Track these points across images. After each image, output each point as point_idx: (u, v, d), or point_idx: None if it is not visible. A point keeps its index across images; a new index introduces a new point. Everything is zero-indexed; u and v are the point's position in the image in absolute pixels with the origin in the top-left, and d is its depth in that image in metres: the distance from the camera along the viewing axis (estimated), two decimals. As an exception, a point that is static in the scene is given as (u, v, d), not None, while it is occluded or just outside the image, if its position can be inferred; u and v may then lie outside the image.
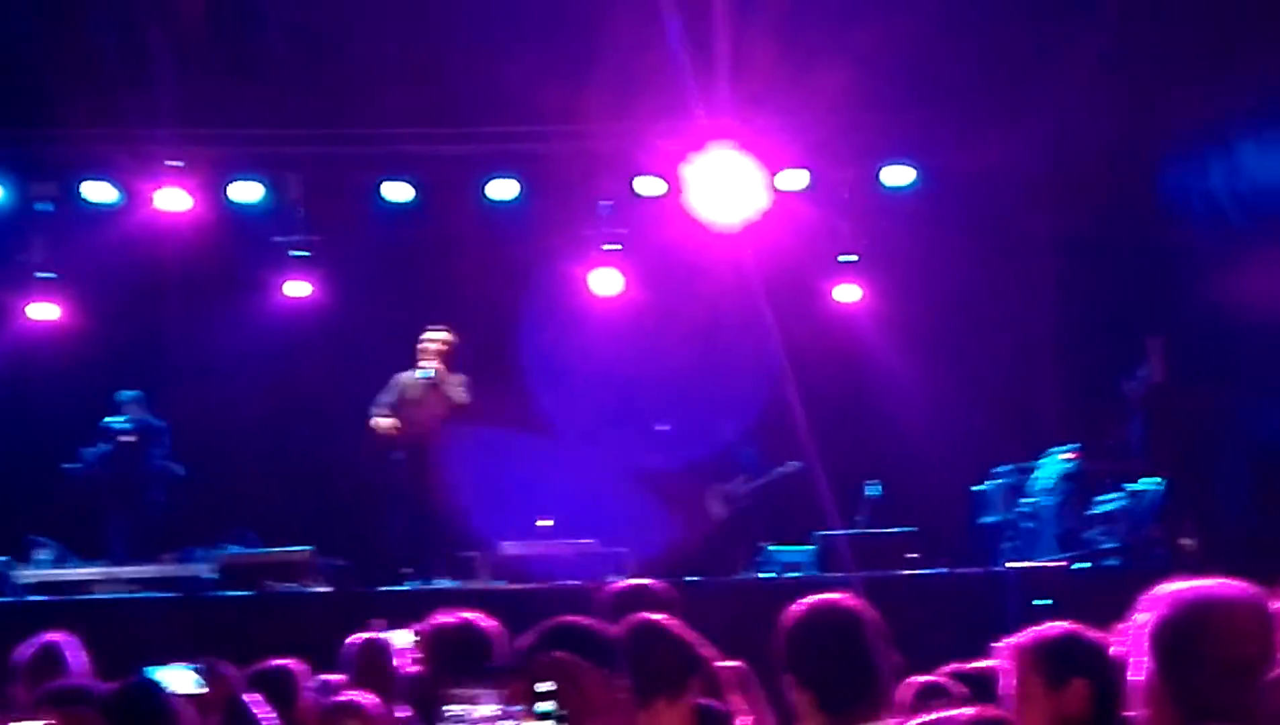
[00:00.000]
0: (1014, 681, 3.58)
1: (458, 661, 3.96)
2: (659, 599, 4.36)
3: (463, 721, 2.35)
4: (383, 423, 11.40)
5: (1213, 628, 2.59)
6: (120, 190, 13.49)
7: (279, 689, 4.94)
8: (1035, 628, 3.67)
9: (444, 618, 4.12)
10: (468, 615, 4.11)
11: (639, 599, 4.35)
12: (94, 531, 12.20)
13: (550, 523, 11.78)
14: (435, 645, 4.07)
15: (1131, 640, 2.72)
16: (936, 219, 13.81)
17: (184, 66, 12.97)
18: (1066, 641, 3.62)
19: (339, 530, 12.24)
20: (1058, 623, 3.73)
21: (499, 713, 2.35)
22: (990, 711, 3.07)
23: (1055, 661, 3.54)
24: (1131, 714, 2.84)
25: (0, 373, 13.04)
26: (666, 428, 13.02)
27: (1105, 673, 3.47)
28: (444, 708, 2.43)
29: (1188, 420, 10.61)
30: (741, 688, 5.14)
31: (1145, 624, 2.66)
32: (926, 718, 2.01)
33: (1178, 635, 2.61)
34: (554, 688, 2.35)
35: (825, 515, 10.70)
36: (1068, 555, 10.84)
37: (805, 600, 3.58)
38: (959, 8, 12.82)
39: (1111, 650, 3.52)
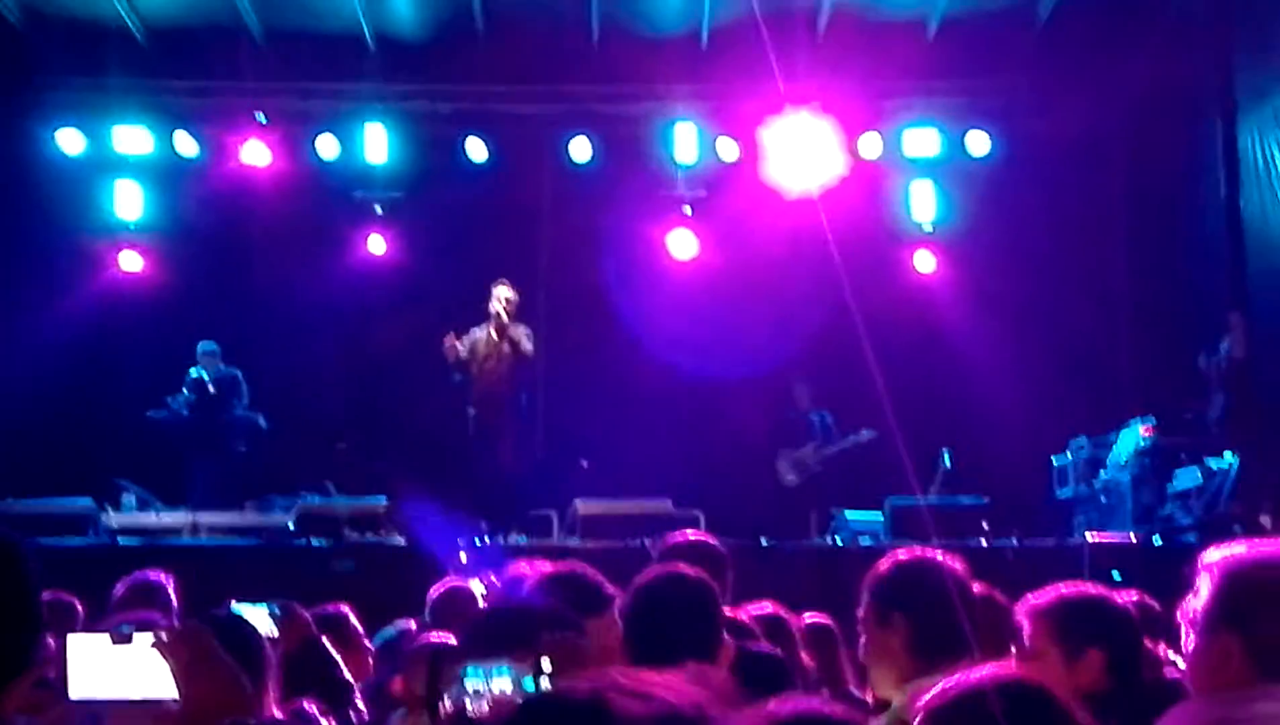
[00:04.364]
0: (1030, 644, 3.46)
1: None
2: (708, 553, 4.38)
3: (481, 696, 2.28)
4: (449, 343, 11.35)
5: None
6: (203, 144, 13.69)
7: (340, 632, 5.15)
8: (1053, 588, 3.53)
9: (554, 564, 4.07)
10: (574, 565, 4.07)
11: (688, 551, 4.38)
12: (178, 478, 12.46)
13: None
14: (552, 589, 4.02)
15: (1195, 594, 2.64)
16: (1013, 185, 13.67)
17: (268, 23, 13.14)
18: (1085, 606, 3.47)
19: (415, 485, 12.35)
20: (1078, 584, 3.61)
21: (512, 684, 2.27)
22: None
23: (1074, 630, 3.41)
24: (1183, 671, 2.81)
25: (89, 321, 13.30)
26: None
27: (1123, 642, 3.42)
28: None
29: (1269, 397, 10.43)
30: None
31: (1212, 577, 2.61)
32: (953, 680, 1.97)
33: (1252, 586, 2.56)
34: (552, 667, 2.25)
35: (898, 483, 10.66)
36: (1143, 530, 10.75)
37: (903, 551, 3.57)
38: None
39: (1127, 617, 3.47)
